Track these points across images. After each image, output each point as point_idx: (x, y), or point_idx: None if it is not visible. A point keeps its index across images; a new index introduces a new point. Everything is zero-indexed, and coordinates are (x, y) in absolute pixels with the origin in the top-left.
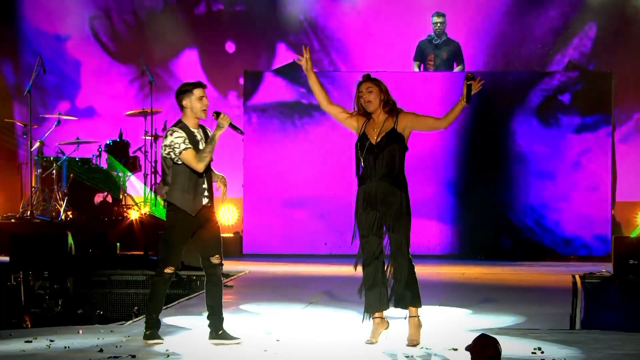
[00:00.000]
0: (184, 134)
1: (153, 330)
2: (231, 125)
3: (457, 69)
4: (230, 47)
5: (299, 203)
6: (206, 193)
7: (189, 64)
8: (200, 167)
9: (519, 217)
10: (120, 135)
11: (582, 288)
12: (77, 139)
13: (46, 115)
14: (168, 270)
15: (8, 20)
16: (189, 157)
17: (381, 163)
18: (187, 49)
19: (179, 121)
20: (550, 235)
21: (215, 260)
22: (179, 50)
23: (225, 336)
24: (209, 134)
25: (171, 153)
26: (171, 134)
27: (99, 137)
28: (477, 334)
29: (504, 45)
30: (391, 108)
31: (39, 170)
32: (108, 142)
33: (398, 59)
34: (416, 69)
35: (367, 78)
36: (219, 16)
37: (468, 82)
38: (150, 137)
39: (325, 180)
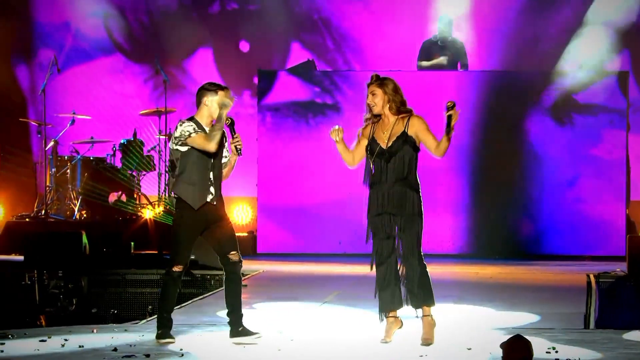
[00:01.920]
0: (194, 124)
1: (165, 329)
2: (235, 146)
3: (461, 68)
4: (244, 46)
5: (313, 202)
6: (212, 189)
7: (203, 63)
8: (211, 146)
9: (532, 216)
10: (135, 135)
11: (597, 287)
12: (92, 138)
13: (60, 115)
14: (176, 269)
15: (22, 20)
16: (199, 139)
17: (393, 166)
18: (201, 48)
19: (191, 117)
20: (564, 234)
21: (233, 257)
22: (193, 50)
23: (246, 332)
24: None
25: (179, 141)
26: (180, 125)
27: (113, 136)
28: (493, 334)
29: (518, 45)
30: (399, 109)
31: (53, 170)
32: (122, 141)
33: (412, 58)
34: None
35: (373, 80)
36: (233, 15)
37: (448, 113)
38: (164, 137)
39: (339, 179)
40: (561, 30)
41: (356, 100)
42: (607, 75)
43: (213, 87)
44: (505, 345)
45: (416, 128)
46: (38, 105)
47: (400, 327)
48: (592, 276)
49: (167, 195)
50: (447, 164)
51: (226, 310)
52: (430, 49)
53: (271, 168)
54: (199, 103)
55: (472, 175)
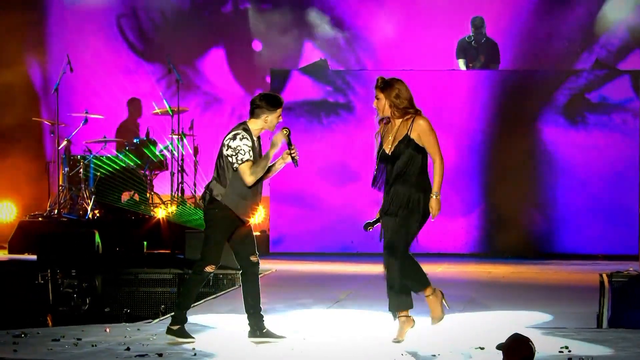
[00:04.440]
0: (250, 143)
1: (182, 326)
2: (292, 155)
3: (491, 66)
4: (257, 45)
5: (326, 201)
6: (258, 201)
7: (215, 63)
8: (250, 181)
9: (545, 215)
10: (147, 134)
11: (610, 287)
12: (104, 137)
13: (73, 114)
14: (209, 269)
15: (36, 20)
16: (246, 169)
17: (397, 170)
18: (213, 47)
19: (246, 125)
20: (577, 233)
21: (254, 259)
22: (205, 49)
23: (270, 334)
24: (260, 144)
25: (233, 157)
26: (240, 139)
27: (126, 135)
28: (505, 333)
29: (531, 44)
30: (405, 111)
31: (66, 169)
32: (135, 140)
33: (424, 57)
34: (463, 67)
35: (377, 83)
36: (245, 15)
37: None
38: (176, 136)
39: (351, 178)
40: (574, 28)
41: (368, 99)
42: (620, 74)
43: (274, 106)
44: (505, 346)
45: (418, 131)
46: (51, 105)
47: (412, 327)
48: (605, 275)
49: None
50: (459, 163)
51: (246, 311)
52: (466, 49)
53: (283, 167)
54: (256, 115)
55: (485, 174)
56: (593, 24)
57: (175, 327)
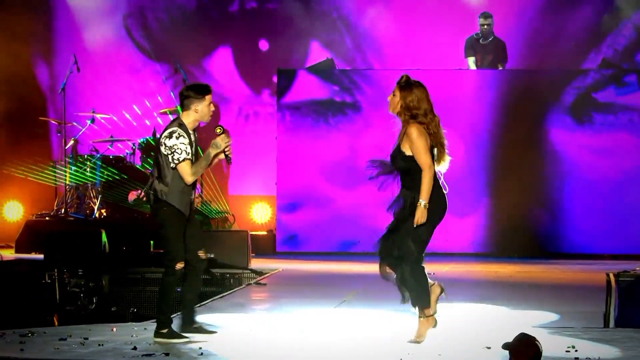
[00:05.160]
0: (187, 140)
1: (171, 329)
2: (226, 152)
3: (499, 67)
4: (263, 45)
5: (332, 201)
6: (193, 195)
7: (222, 62)
8: (190, 180)
9: (552, 215)
10: (154, 134)
11: (616, 286)
12: (111, 137)
13: (80, 114)
14: (179, 266)
15: (43, 19)
16: (185, 168)
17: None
18: (220, 47)
19: (180, 120)
20: (584, 233)
21: (202, 255)
22: (212, 49)
23: (202, 330)
24: (196, 137)
25: (170, 156)
26: (177, 137)
27: (133, 135)
28: (512, 333)
29: (538, 43)
30: (407, 118)
31: (73, 169)
32: (141, 140)
33: (431, 56)
34: (472, 66)
35: (401, 80)
36: (252, 14)
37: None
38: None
39: (358, 178)
40: (581, 28)
41: (375, 98)
42: (627, 73)
43: (201, 93)
44: (512, 346)
45: (407, 141)
46: (58, 104)
47: (434, 326)
48: (612, 275)
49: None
50: (467, 163)
51: (182, 305)
52: (474, 46)
53: (290, 167)
54: (186, 107)
55: (492, 174)
56: (600, 23)
57: (164, 331)
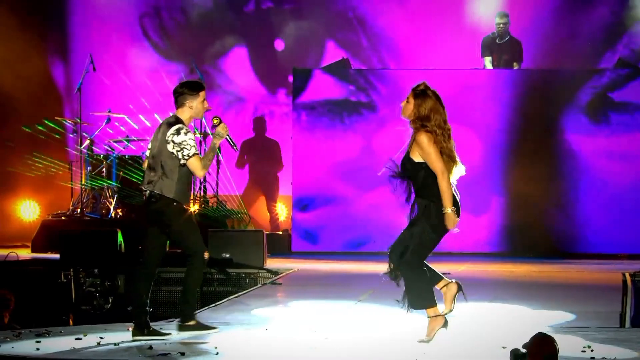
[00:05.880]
0: (193, 135)
1: (197, 320)
2: (228, 138)
3: (514, 67)
4: (279, 44)
5: (348, 201)
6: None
7: (238, 62)
8: (202, 174)
9: (568, 214)
10: None
11: (632, 286)
12: (127, 136)
13: (96, 113)
14: (207, 255)
15: (59, 19)
16: (195, 163)
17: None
18: (236, 46)
19: (178, 117)
20: (600, 232)
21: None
22: (228, 48)
23: (156, 332)
24: None
25: (179, 153)
26: (185, 133)
27: (148, 134)
28: (527, 332)
29: (554, 43)
30: (417, 126)
31: (88, 168)
32: None
33: (447, 56)
34: (489, 65)
35: (418, 87)
36: (268, 14)
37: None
38: (199, 135)
39: (373, 178)
40: (597, 27)
41: (391, 98)
42: None
43: (195, 90)
44: (528, 345)
45: (417, 149)
46: (74, 104)
47: (444, 326)
48: (627, 275)
49: (202, 194)
50: (482, 162)
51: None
52: (491, 46)
53: (306, 166)
54: (180, 104)
55: (507, 173)
56: (617, 23)
57: (192, 323)
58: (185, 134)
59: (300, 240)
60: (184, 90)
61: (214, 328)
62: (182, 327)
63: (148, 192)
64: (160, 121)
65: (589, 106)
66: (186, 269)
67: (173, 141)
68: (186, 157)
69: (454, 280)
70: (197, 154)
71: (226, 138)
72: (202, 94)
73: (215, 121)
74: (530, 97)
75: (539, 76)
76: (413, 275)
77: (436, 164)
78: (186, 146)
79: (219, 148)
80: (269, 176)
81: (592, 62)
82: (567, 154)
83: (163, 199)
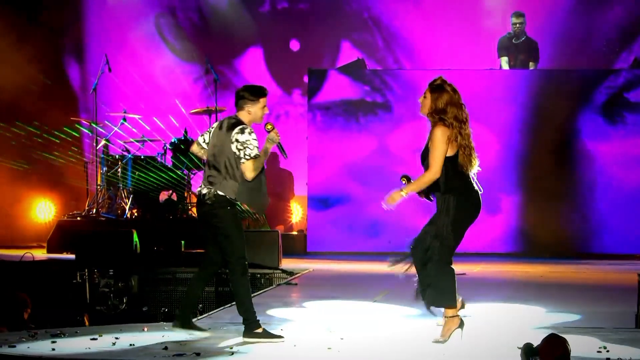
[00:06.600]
0: (256, 137)
1: (264, 328)
2: (279, 145)
3: (530, 66)
4: (294, 45)
5: (363, 201)
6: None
7: (253, 62)
8: (251, 177)
9: (583, 215)
10: (185, 134)
11: None
12: (142, 137)
13: (111, 114)
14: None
15: (74, 20)
16: (251, 165)
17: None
18: (251, 47)
19: (240, 120)
20: (615, 233)
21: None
22: (243, 49)
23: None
24: None
25: (241, 152)
26: (250, 133)
27: (164, 135)
28: (542, 333)
29: (569, 43)
30: (433, 119)
31: (104, 169)
32: (173, 140)
33: (463, 56)
34: (505, 65)
35: (434, 81)
36: (283, 14)
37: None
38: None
39: (389, 178)
40: (613, 28)
41: (406, 98)
42: None
43: (257, 96)
44: (540, 347)
45: (431, 142)
46: (89, 105)
47: (459, 327)
48: None
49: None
50: (498, 162)
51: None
52: (507, 46)
53: (321, 167)
54: (240, 107)
55: (523, 174)
56: (633, 23)
57: (259, 330)
58: (250, 133)
59: (315, 240)
60: (245, 95)
61: (280, 337)
62: (248, 335)
63: (205, 191)
64: (214, 125)
65: (604, 106)
66: (229, 276)
67: (237, 140)
68: (247, 157)
69: (459, 315)
70: (258, 156)
71: (277, 144)
72: (262, 100)
73: (268, 127)
74: (546, 97)
75: (554, 76)
76: (441, 271)
77: (435, 161)
78: (249, 145)
79: (284, 151)
80: (283, 177)
81: (608, 62)
82: (583, 154)
83: (218, 201)
